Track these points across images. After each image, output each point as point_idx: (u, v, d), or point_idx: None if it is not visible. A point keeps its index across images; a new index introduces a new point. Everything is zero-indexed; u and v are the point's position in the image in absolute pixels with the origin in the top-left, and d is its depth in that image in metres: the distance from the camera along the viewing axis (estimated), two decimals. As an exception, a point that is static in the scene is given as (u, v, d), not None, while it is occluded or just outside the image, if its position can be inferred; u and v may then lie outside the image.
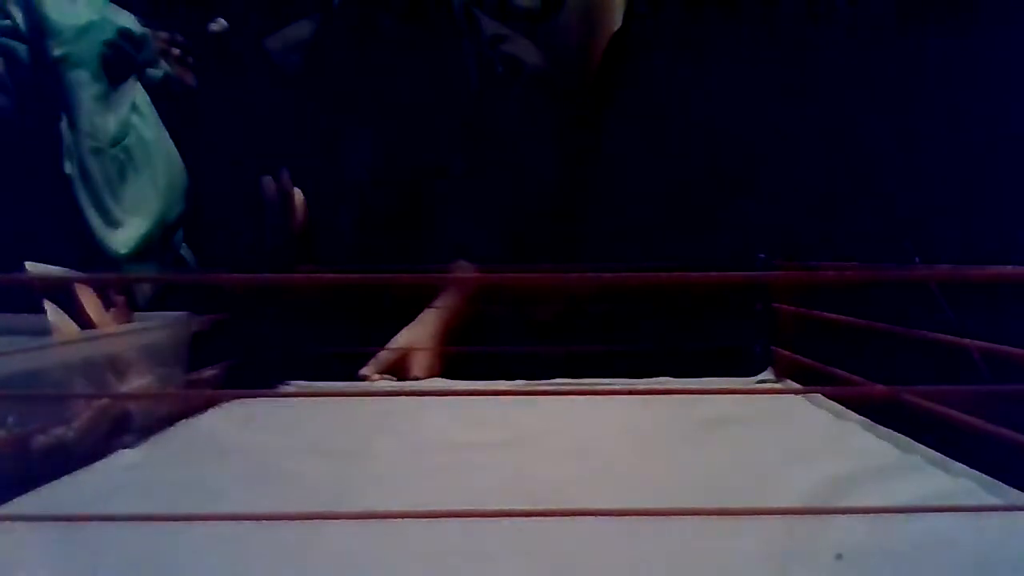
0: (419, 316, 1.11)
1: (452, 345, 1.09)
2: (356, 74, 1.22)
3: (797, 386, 0.86)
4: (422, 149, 1.21)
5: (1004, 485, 0.54)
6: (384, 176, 1.21)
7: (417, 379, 1.02)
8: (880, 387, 0.62)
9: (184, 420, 0.76)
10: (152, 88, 1.30)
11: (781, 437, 0.70)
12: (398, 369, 1.04)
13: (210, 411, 0.79)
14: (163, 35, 1.35)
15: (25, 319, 0.75)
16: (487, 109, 1.24)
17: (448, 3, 1.25)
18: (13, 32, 1.18)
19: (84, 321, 0.75)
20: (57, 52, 1.18)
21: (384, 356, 1.05)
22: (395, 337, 1.08)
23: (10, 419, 0.61)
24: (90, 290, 0.76)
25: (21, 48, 1.18)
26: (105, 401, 0.68)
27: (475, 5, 1.30)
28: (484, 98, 1.25)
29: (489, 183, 1.21)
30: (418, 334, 1.09)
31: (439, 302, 1.13)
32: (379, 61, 1.22)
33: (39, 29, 1.17)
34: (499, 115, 1.24)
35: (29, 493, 0.55)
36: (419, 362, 1.05)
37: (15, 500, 0.53)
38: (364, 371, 1.02)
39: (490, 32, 1.28)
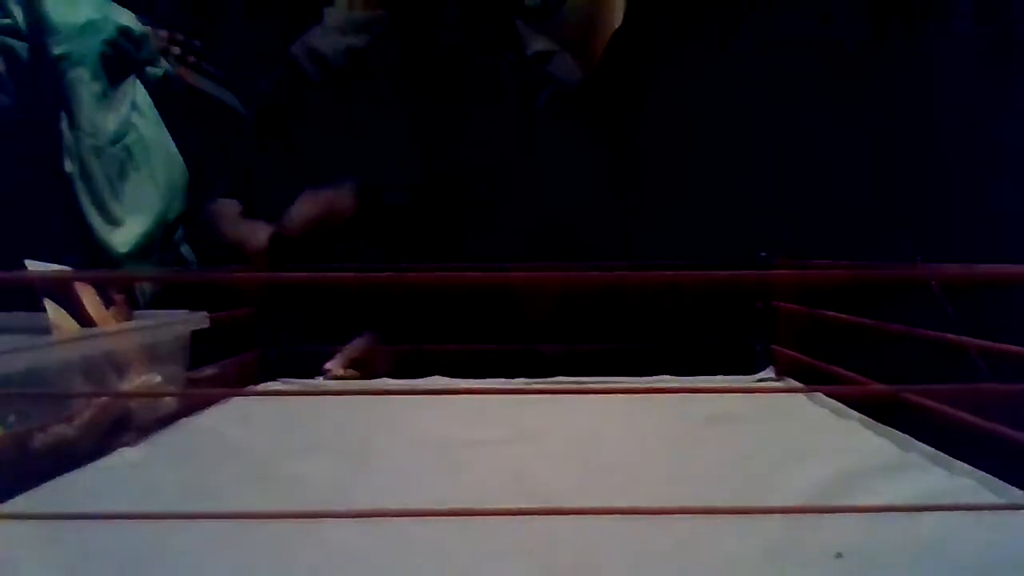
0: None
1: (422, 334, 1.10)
2: (393, 92, 1.17)
3: (798, 384, 0.86)
4: (459, 168, 1.17)
5: (1004, 483, 0.54)
6: (418, 192, 1.17)
7: (376, 375, 1.04)
8: (880, 385, 0.62)
9: (184, 418, 0.76)
10: (152, 86, 1.30)
11: (781, 435, 0.70)
12: (362, 364, 1.05)
13: (210, 409, 0.79)
14: (163, 33, 1.35)
15: (25, 317, 0.75)
16: (527, 128, 1.19)
17: (502, 24, 1.16)
18: (13, 30, 1.18)
19: (84, 319, 0.75)
20: (57, 50, 1.18)
21: (349, 351, 1.06)
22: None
23: (11, 417, 0.61)
24: (90, 288, 0.76)
25: (21, 46, 1.18)
26: (105, 399, 0.68)
27: (520, 17, 1.20)
28: (524, 117, 1.19)
29: (528, 196, 1.17)
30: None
31: None
32: (417, 83, 1.16)
33: (39, 27, 1.17)
34: (540, 132, 1.19)
35: (30, 491, 0.55)
36: (385, 358, 1.07)
37: (16, 498, 0.53)
38: (328, 365, 1.03)
39: (532, 51, 1.19)
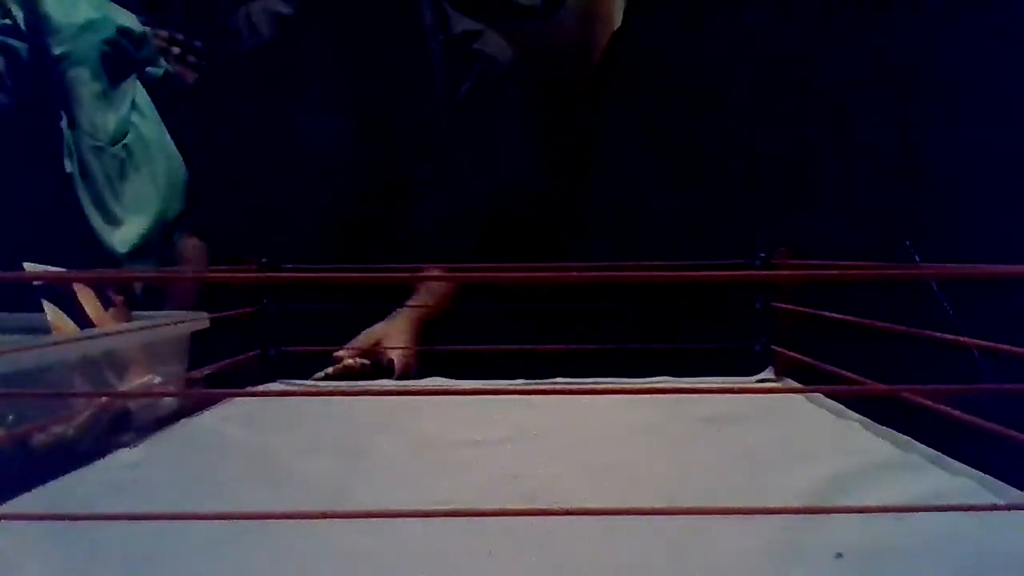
0: (395, 311, 1.14)
1: (426, 340, 1.12)
2: (319, 77, 1.21)
3: (797, 385, 0.86)
4: (390, 151, 1.21)
5: (1004, 484, 0.54)
6: (352, 176, 1.20)
7: (391, 362, 1.05)
8: (880, 386, 0.62)
9: (184, 419, 0.76)
10: (152, 86, 1.30)
11: (781, 436, 0.70)
12: (372, 354, 1.06)
13: (210, 409, 0.79)
14: (163, 33, 1.35)
15: (24, 318, 0.75)
16: (457, 109, 1.23)
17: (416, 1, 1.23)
18: (14, 30, 1.18)
19: (83, 320, 0.75)
20: (57, 50, 1.18)
21: (359, 340, 1.07)
22: (370, 328, 1.10)
23: (10, 417, 0.61)
24: (89, 289, 0.76)
25: (21, 46, 1.18)
26: (105, 400, 0.68)
27: (446, 1, 1.27)
28: (453, 98, 1.23)
29: (460, 184, 1.21)
30: (394, 325, 1.12)
31: (412, 301, 1.15)
32: (345, 62, 1.20)
33: (39, 27, 1.17)
34: (470, 115, 1.23)
35: (29, 492, 0.55)
36: (396, 350, 1.08)
37: (15, 499, 0.53)
38: (339, 354, 1.03)
39: (459, 29, 1.25)
